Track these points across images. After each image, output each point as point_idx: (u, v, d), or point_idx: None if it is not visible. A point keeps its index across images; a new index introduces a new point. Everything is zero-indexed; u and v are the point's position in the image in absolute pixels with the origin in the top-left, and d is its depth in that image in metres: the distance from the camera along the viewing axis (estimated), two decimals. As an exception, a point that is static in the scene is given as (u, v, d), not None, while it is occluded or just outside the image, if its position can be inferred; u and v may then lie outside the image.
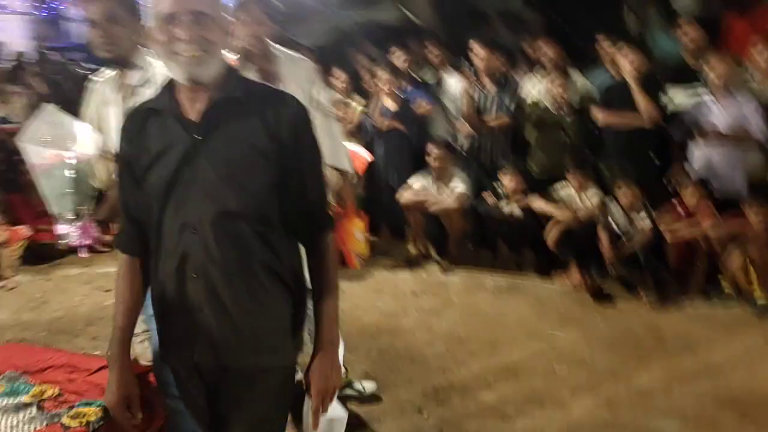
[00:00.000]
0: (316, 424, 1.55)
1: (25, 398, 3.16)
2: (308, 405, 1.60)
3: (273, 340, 1.55)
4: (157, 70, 2.37)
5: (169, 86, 1.53)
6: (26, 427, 2.81)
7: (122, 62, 2.36)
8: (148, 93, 2.31)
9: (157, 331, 1.63)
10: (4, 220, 5.15)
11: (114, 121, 2.41)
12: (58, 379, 3.23)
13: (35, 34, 10.11)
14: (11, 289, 4.87)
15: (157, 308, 1.59)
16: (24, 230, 5.27)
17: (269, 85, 1.80)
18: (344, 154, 3.14)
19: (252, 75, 2.76)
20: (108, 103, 2.46)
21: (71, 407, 2.73)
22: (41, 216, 4.56)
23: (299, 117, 1.54)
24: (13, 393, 3.23)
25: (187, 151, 1.47)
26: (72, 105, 2.84)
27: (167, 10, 1.44)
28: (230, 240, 1.47)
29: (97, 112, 2.54)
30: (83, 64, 7.34)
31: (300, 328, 1.62)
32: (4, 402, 3.17)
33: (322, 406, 1.56)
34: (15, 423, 3.00)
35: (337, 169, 3.17)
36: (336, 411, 1.61)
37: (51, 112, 2.74)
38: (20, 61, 7.60)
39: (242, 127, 1.49)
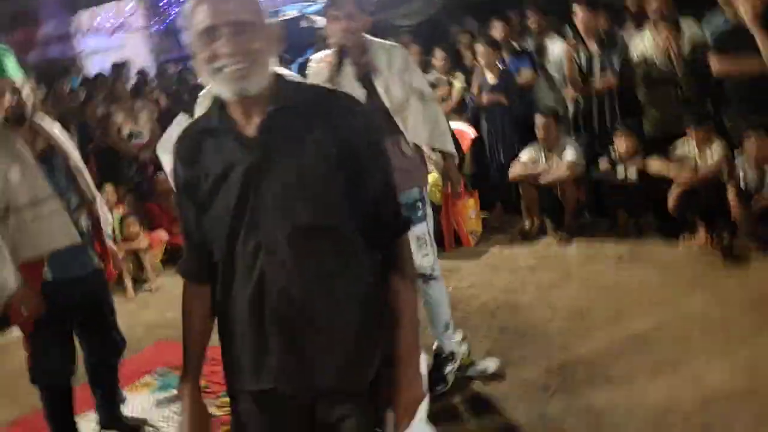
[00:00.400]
0: None
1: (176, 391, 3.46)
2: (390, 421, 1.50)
3: (358, 356, 1.46)
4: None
5: (219, 103, 1.43)
6: (179, 417, 3.08)
7: None
8: None
9: (226, 361, 1.52)
10: (144, 227, 5.60)
11: None
12: (203, 372, 3.50)
13: (153, 48, 10.74)
14: (156, 290, 5.31)
15: (230, 335, 1.49)
16: (163, 235, 5.71)
17: (322, 85, 1.72)
18: (446, 136, 3.12)
19: (348, 70, 2.84)
20: None
21: (217, 397, 2.97)
22: (176, 221, 4.92)
23: (359, 117, 1.46)
24: (165, 387, 3.56)
25: (251, 169, 1.37)
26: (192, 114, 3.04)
27: (206, 24, 1.34)
28: (309, 257, 1.39)
29: None
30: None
31: (381, 343, 1.50)
32: (159, 396, 3.50)
33: (406, 419, 1.48)
34: (169, 414, 3.31)
35: (441, 151, 3.19)
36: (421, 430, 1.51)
37: (185, 121, 2.94)
38: (142, 77, 8.14)
39: (303, 136, 1.39)
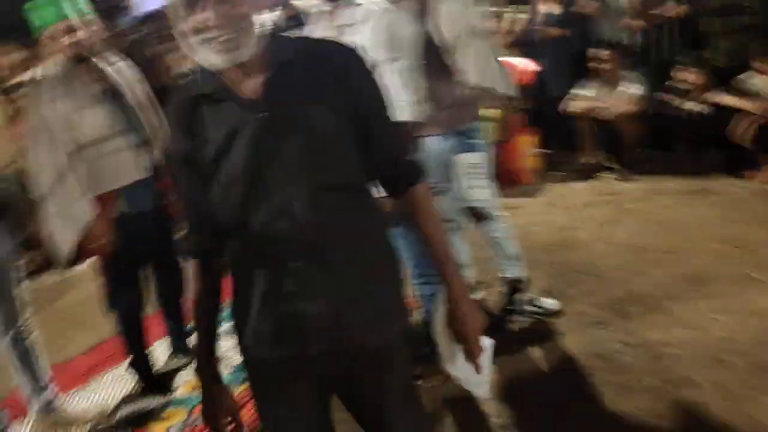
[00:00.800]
0: (480, 366, 1.50)
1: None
2: (456, 354, 1.51)
3: (390, 309, 1.45)
4: (368, 7, 2.45)
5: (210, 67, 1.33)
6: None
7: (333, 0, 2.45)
8: (358, 32, 2.38)
9: (245, 331, 1.44)
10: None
11: None
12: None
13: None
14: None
15: (250, 307, 1.41)
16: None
17: (311, 37, 1.60)
18: (503, 78, 2.98)
19: (401, 4, 2.78)
20: None
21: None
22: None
23: (357, 64, 1.38)
24: (228, 319, 3.68)
25: (257, 133, 1.29)
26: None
27: None
28: (330, 216, 1.33)
29: None
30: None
31: (402, 291, 1.52)
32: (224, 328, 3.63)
33: (478, 346, 1.49)
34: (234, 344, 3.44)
35: (495, 94, 3.09)
36: (484, 342, 1.52)
37: None
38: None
39: (308, 91, 1.32)
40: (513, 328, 3.09)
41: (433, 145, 2.89)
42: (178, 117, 1.38)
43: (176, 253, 3.12)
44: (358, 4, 2.46)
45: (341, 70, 1.34)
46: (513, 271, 3.15)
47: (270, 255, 1.35)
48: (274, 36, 1.36)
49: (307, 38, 1.47)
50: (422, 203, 1.46)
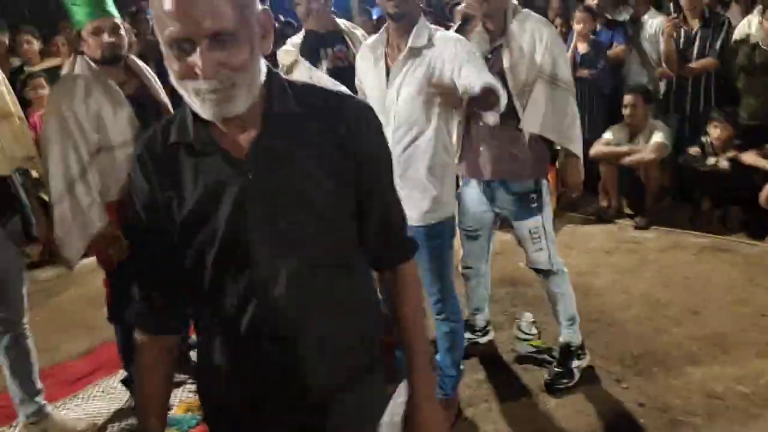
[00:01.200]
0: None
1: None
2: None
3: (366, 410, 1.31)
4: (445, 33, 2.37)
5: (195, 113, 1.14)
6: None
7: (408, 20, 2.34)
8: (430, 55, 2.30)
9: (215, 411, 1.33)
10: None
11: (372, 83, 2.47)
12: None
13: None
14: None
15: (217, 400, 1.30)
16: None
17: (317, 85, 1.45)
18: (572, 130, 2.75)
19: (475, 35, 2.69)
20: (369, 69, 2.47)
21: None
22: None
23: (368, 124, 1.22)
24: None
25: (242, 194, 1.13)
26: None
27: (176, 36, 1.03)
28: (308, 299, 1.18)
29: (361, 77, 2.58)
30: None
31: (382, 379, 1.37)
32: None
33: None
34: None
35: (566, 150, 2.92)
36: None
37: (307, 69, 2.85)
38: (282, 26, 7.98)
39: (306, 148, 1.16)
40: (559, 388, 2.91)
41: (469, 189, 2.85)
42: (151, 164, 1.19)
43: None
44: (433, 29, 2.35)
45: (349, 130, 1.18)
46: (570, 335, 2.97)
47: (239, 334, 1.19)
48: (277, 80, 1.18)
49: (316, 88, 1.28)
50: (407, 284, 1.33)
